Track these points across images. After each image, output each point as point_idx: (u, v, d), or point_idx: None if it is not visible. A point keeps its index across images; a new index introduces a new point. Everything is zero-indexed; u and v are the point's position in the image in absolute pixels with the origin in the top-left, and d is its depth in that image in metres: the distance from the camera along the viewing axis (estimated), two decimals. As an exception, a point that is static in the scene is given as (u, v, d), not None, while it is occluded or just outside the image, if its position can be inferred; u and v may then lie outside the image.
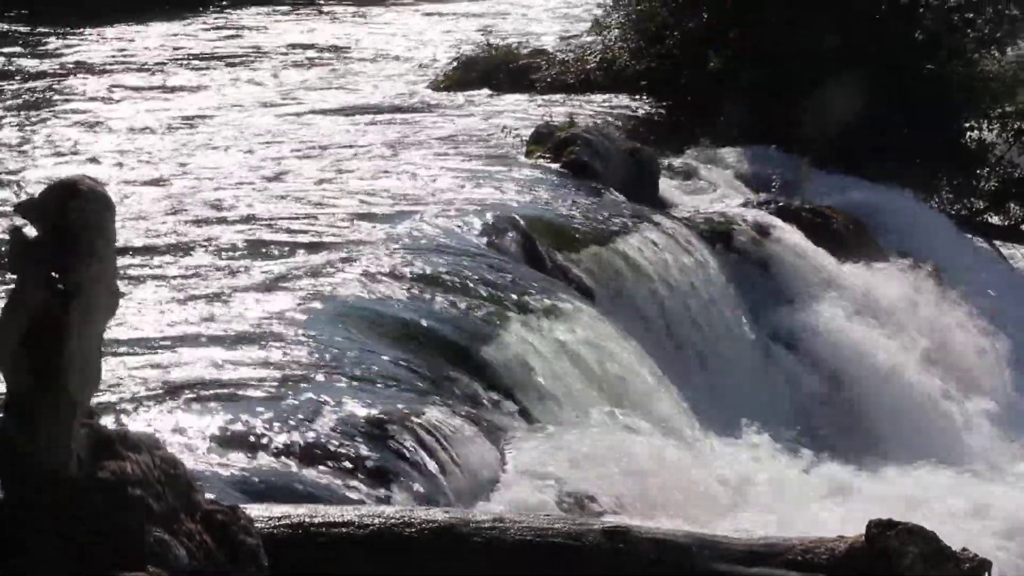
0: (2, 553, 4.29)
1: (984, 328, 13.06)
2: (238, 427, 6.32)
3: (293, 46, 27.32)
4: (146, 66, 21.99)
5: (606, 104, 16.73)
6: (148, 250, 9.54)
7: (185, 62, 23.34)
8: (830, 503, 7.81)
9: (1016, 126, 16.93)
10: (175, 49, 25.51)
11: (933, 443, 11.07)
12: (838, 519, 5.63)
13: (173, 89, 19.63)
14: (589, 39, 19.33)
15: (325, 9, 36.64)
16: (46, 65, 22.24)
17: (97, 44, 25.32)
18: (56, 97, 18.48)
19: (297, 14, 34.66)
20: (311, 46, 27.70)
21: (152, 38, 26.65)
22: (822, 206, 14.16)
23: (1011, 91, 16.81)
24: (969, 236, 15.81)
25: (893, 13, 16.48)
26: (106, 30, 26.77)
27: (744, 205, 13.54)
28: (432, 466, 6.31)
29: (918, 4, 16.91)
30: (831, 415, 11.26)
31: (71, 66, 22.32)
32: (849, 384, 11.36)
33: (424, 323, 8.31)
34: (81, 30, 26.47)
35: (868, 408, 11.24)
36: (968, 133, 17.01)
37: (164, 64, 22.65)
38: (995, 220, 17.07)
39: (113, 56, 23.22)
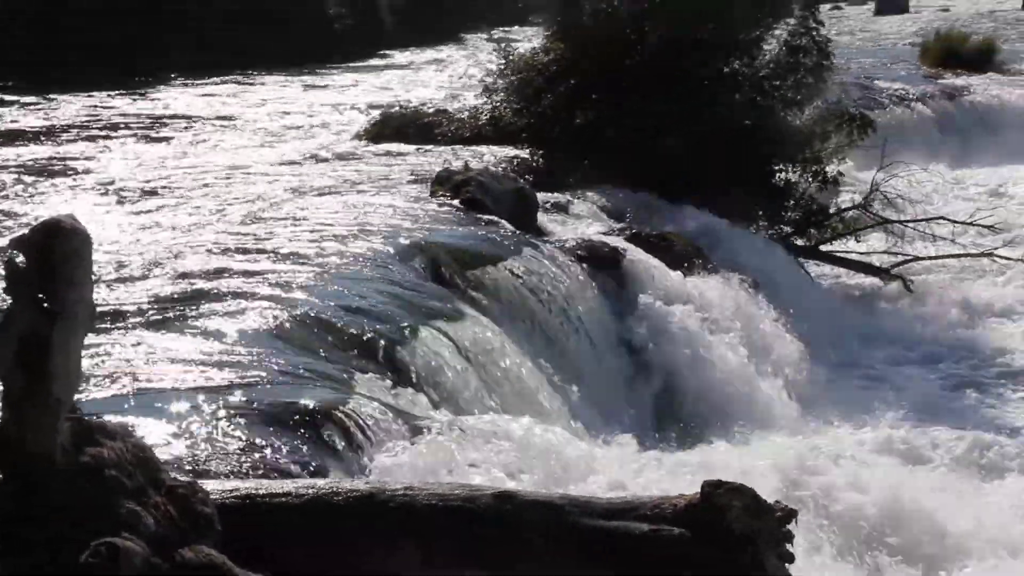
0: (6, 522, 4.28)
1: (787, 322, 13.26)
2: (197, 416, 6.27)
3: (231, 111, 27.16)
4: (78, 134, 21.59)
5: (494, 153, 16.78)
6: (119, 281, 9.44)
7: (137, 127, 23.15)
8: (673, 468, 7.85)
9: (813, 169, 17.19)
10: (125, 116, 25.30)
11: (750, 415, 11.20)
12: (682, 483, 5.62)
13: (127, 151, 19.37)
14: (480, 101, 19.40)
15: (263, 80, 36.53)
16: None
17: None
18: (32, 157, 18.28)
19: (232, 84, 34.50)
20: (252, 109, 27.58)
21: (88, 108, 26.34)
22: (666, 232, 14.27)
23: (809, 142, 17.07)
24: (779, 253, 15.97)
25: (720, 83, 16.62)
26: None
27: (605, 232, 13.59)
28: (356, 446, 6.30)
29: (738, 75, 17.03)
30: (676, 398, 11.31)
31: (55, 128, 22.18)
32: (688, 370, 11.43)
33: (350, 330, 8.31)
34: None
35: (703, 391, 11.32)
36: (778, 174, 17.21)
37: (115, 130, 22.41)
38: (799, 242, 17.28)
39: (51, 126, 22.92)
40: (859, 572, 8.24)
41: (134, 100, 28.84)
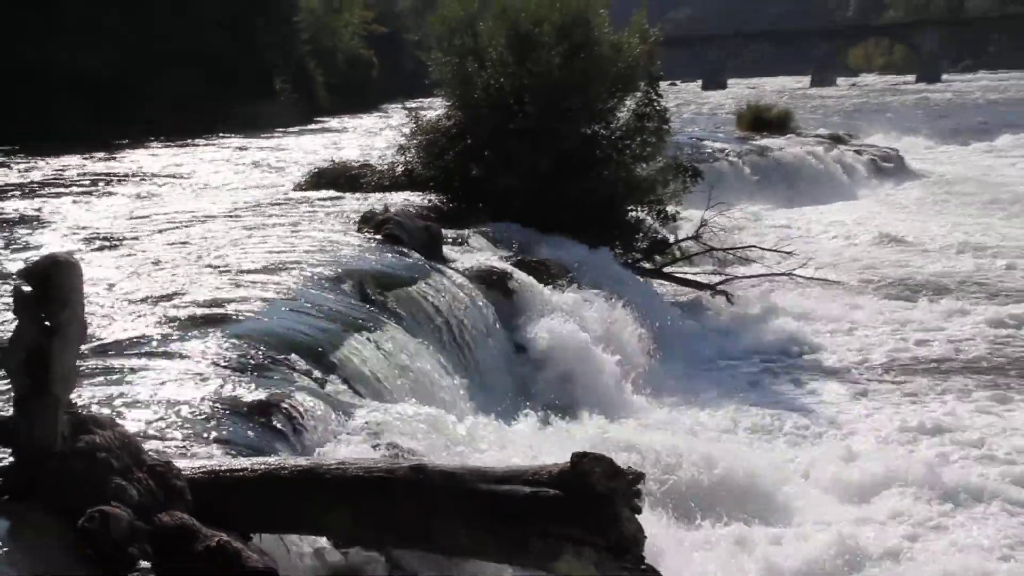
0: (18, 495, 4.32)
1: (639, 328, 13.36)
2: (171, 409, 6.17)
3: (189, 169, 26.81)
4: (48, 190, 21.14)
5: (408, 198, 16.73)
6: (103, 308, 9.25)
7: (103, 184, 22.75)
8: (551, 443, 7.90)
9: (656, 209, 17.38)
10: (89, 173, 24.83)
11: (611, 401, 11.26)
12: (557, 454, 5.63)
13: (94, 205, 19.03)
14: (397, 157, 19.26)
15: (216, 142, 36.15)
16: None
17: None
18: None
19: (188, 146, 34.16)
20: (207, 166, 27.31)
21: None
22: (544, 258, 14.33)
23: (653, 188, 17.26)
24: (631, 274, 16.11)
25: (583, 142, 16.74)
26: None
27: (497, 259, 13.59)
28: (298, 430, 6.24)
29: (598, 136, 17.16)
30: (554, 387, 11.32)
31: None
32: (564, 367, 11.47)
33: (293, 339, 8.21)
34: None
35: (575, 382, 11.35)
36: (630, 213, 17.35)
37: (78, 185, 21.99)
38: (647, 265, 17.43)
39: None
40: (692, 522, 8.32)
41: (101, 160, 28.32)
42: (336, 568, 5.32)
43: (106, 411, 5.74)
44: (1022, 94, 75.97)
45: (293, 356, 7.78)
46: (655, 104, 17.48)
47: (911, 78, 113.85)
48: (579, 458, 4.71)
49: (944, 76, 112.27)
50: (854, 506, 9.41)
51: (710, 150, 30.62)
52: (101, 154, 29.56)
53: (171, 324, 8.20)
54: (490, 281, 12.41)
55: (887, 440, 11.26)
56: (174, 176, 23.95)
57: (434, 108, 19.50)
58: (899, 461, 10.32)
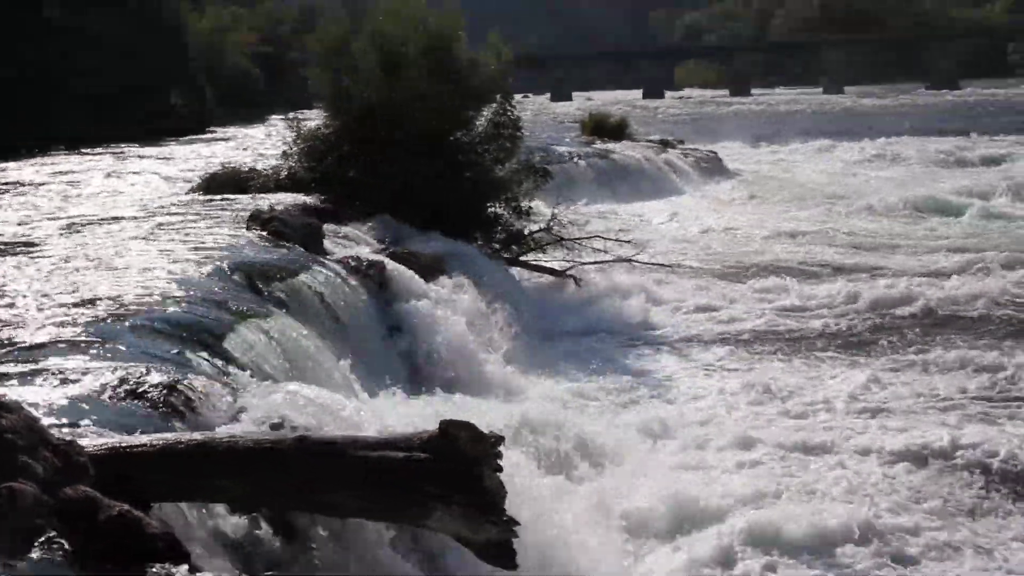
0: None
1: (500, 310, 13.36)
2: (76, 392, 5.93)
3: (89, 178, 25.86)
4: None
5: (292, 198, 16.38)
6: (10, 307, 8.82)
7: None
8: (422, 412, 7.85)
9: (513, 205, 17.41)
10: None
11: (479, 374, 11.27)
12: (428, 422, 5.58)
13: None
14: (281, 162, 18.89)
15: (114, 151, 34.98)
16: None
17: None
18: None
19: (88, 156, 32.97)
20: (104, 173, 26.35)
21: None
22: (414, 250, 14.21)
23: (509, 187, 17.28)
24: (492, 263, 16.11)
25: (447, 147, 16.67)
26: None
27: (373, 252, 13.44)
28: (194, 410, 6.05)
29: (460, 140, 17.11)
30: (426, 368, 11.24)
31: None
32: (434, 348, 11.40)
33: (188, 326, 7.96)
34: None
35: (444, 361, 11.29)
36: (489, 209, 17.35)
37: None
38: (506, 255, 17.45)
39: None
40: (558, 476, 8.40)
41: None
42: (230, 530, 5.19)
43: (13, 395, 5.47)
44: (812, 107, 79.20)
45: (188, 343, 7.54)
46: (509, 114, 17.54)
47: (726, 92, 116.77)
48: (446, 425, 4.69)
49: (753, 91, 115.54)
50: (690, 458, 9.66)
51: (558, 153, 30.86)
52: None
53: (74, 319, 7.85)
54: (367, 271, 12.27)
55: (715, 401, 11.54)
56: (72, 184, 22.92)
57: (315, 118, 19.17)
58: (726, 420, 10.62)
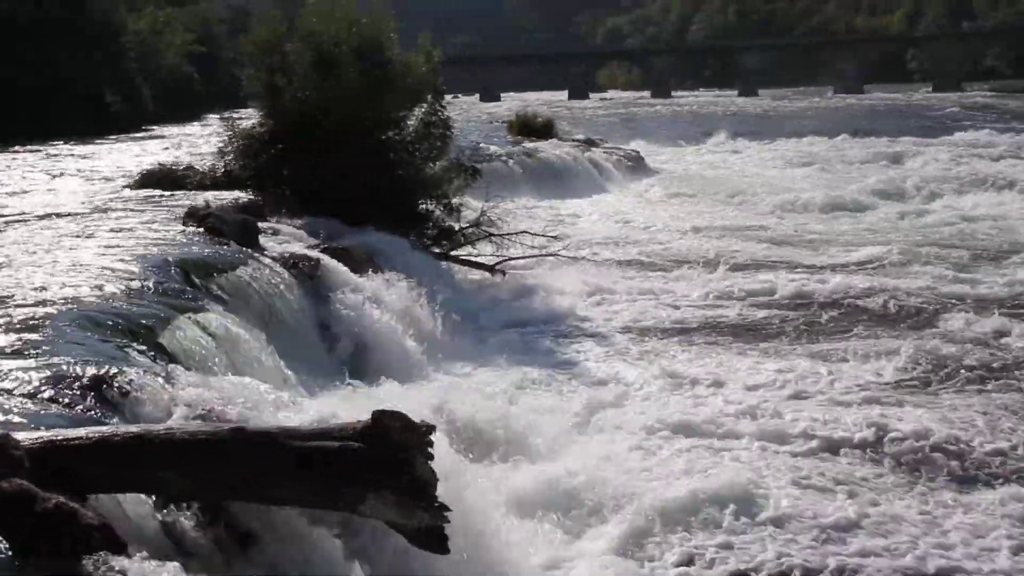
0: None
1: (430, 304, 13.26)
2: (10, 387, 5.77)
3: (19, 175, 25.12)
4: None
5: (228, 195, 16.17)
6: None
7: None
8: (355, 402, 7.79)
9: (443, 202, 17.40)
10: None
11: (407, 365, 11.22)
12: (360, 412, 5.55)
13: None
14: (217, 160, 18.61)
15: (48, 150, 34.11)
16: None
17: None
18: None
19: (21, 153, 32.11)
20: (38, 170, 25.69)
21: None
22: (347, 245, 14.10)
23: (440, 184, 17.27)
24: (424, 257, 16.06)
25: (379, 145, 16.63)
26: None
27: (307, 247, 13.31)
28: (130, 402, 5.93)
29: (392, 141, 17.02)
30: (356, 356, 11.17)
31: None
32: (363, 338, 11.33)
33: (125, 321, 7.81)
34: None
35: (376, 353, 11.21)
36: (421, 205, 17.30)
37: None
38: (437, 250, 17.41)
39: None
40: (482, 460, 8.41)
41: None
42: (165, 521, 5.10)
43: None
44: (730, 109, 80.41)
45: (125, 337, 7.40)
46: (439, 114, 17.50)
47: (647, 94, 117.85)
48: (379, 415, 4.68)
49: (674, 93, 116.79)
50: (605, 439, 9.76)
51: (487, 152, 30.84)
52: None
53: (9, 314, 7.65)
54: (301, 266, 12.14)
55: (632, 388, 11.65)
56: (2, 183, 22.25)
57: (250, 117, 18.90)
58: (646, 404, 10.74)
